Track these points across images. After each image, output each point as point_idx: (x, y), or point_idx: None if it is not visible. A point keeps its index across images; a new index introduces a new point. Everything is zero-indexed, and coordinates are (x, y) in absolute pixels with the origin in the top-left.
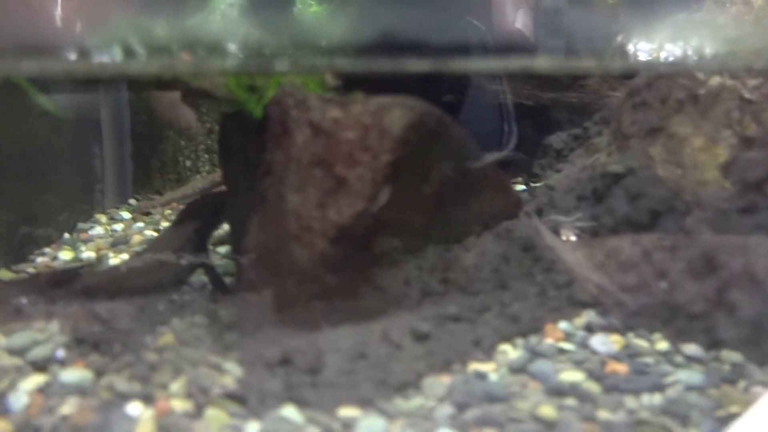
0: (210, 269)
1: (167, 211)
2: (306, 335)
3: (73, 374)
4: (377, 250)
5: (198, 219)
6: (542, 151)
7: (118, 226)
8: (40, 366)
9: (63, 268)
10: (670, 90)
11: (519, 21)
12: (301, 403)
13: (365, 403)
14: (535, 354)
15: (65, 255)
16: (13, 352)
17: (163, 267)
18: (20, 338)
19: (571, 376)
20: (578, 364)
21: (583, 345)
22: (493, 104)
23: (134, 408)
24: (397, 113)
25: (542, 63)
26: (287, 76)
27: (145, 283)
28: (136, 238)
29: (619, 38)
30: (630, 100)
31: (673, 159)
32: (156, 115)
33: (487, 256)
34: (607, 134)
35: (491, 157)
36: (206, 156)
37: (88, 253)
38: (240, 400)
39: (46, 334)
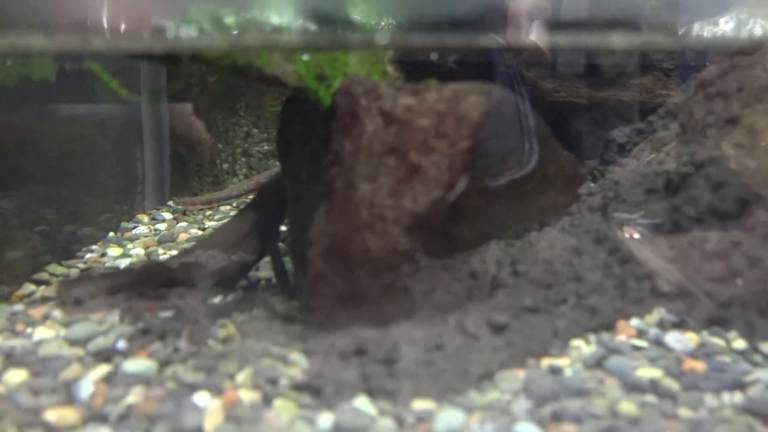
0: (277, 259)
1: (208, 212)
2: (379, 326)
3: (137, 364)
4: (451, 240)
5: (266, 208)
6: (604, 146)
7: (161, 226)
8: (102, 356)
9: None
10: (747, 80)
11: (533, 33)
12: (375, 395)
13: (440, 396)
14: (609, 350)
15: (113, 251)
16: (73, 342)
17: (231, 256)
18: (80, 329)
19: (648, 372)
20: (654, 361)
21: (657, 342)
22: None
23: (201, 398)
24: (475, 99)
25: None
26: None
27: (214, 273)
28: (183, 236)
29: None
30: (702, 91)
31: (748, 151)
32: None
33: (556, 248)
34: (673, 128)
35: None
36: (243, 159)
37: (136, 250)
38: (310, 391)
39: (106, 325)
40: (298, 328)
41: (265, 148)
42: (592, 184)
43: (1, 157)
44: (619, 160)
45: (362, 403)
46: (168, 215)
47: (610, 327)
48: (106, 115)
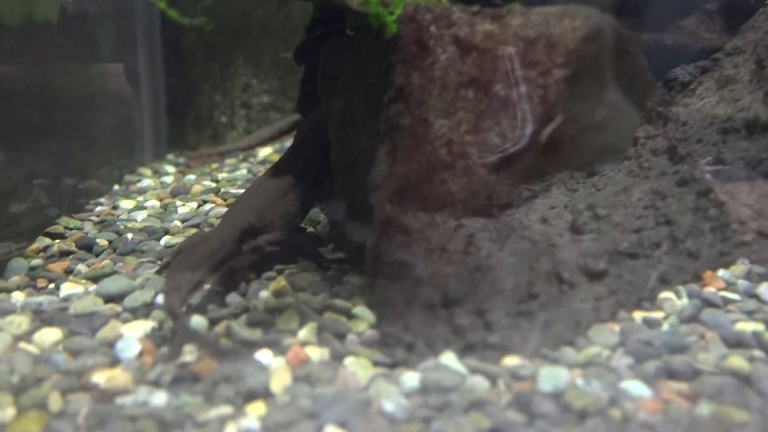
0: (332, 197)
1: (214, 165)
2: (460, 275)
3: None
4: (539, 179)
5: (306, 156)
6: (664, 86)
7: (167, 179)
8: (141, 313)
9: None
10: None
11: None
12: (463, 350)
13: (535, 352)
14: (703, 302)
15: (126, 204)
16: (107, 298)
17: (291, 194)
18: (113, 284)
19: (749, 326)
20: (750, 314)
21: (749, 294)
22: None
23: (264, 356)
24: (571, 23)
25: None
26: None
27: (278, 212)
28: (196, 188)
29: None
30: None
31: None
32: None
33: (632, 191)
34: (744, 65)
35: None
36: (242, 112)
37: (151, 202)
38: (401, 345)
39: (140, 279)
40: (355, 280)
41: (265, 99)
42: (650, 126)
43: None
44: (683, 100)
45: (449, 359)
46: (171, 168)
47: (699, 275)
48: (105, 65)
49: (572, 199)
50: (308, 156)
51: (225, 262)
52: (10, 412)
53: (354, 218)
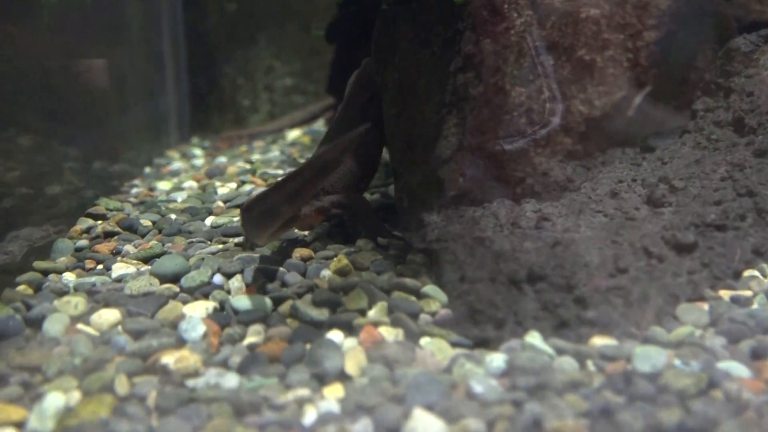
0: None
1: (242, 148)
2: (542, 249)
3: (247, 301)
4: (588, 156)
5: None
6: (724, 57)
7: (198, 161)
8: (200, 293)
9: None
10: None
11: None
12: (556, 327)
13: (625, 330)
14: None
15: (163, 185)
16: (163, 278)
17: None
18: (168, 263)
19: None
20: None
21: None
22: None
23: (335, 336)
24: None
25: None
26: None
27: (337, 175)
28: (231, 170)
29: None
30: None
31: None
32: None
33: (705, 163)
34: None
35: None
36: (266, 95)
37: (188, 183)
38: (492, 322)
39: (194, 258)
40: (418, 258)
41: (288, 82)
42: (709, 99)
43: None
44: (746, 71)
45: (535, 339)
46: (198, 151)
47: None
48: (135, 47)
49: (638, 172)
50: (360, 118)
51: (286, 222)
52: (75, 395)
53: (414, 193)
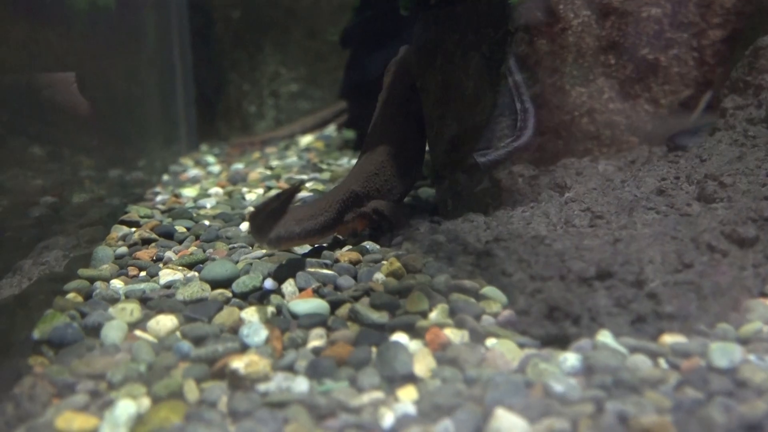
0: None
1: (256, 154)
2: (604, 247)
3: (305, 305)
4: (646, 146)
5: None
6: (752, 54)
7: (214, 168)
8: (253, 297)
9: None
10: None
11: None
12: (633, 323)
13: (691, 327)
14: None
15: (189, 192)
16: (214, 284)
17: (388, 164)
18: (218, 269)
19: None
20: None
21: None
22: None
23: (400, 339)
24: None
25: None
26: None
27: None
28: (253, 176)
29: None
30: None
31: None
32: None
33: (747, 159)
34: None
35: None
36: (271, 101)
37: (214, 189)
38: (568, 319)
39: (243, 263)
40: (470, 260)
41: (294, 88)
42: (738, 97)
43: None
44: None
45: (605, 337)
46: (211, 158)
47: None
48: (152, 53)
49: (678, 170)
50: (400, 123)
51: (327, 227)
52: (145, 402)
53: (461, 195)
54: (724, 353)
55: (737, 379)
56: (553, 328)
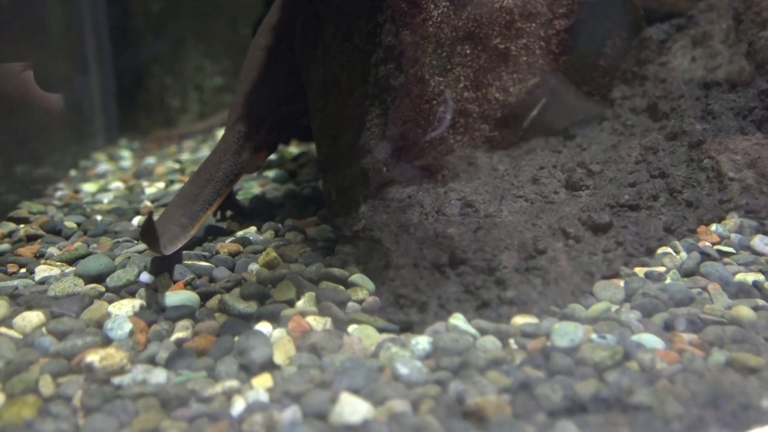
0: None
1: (172, 148)
2: (465, 235)
3: (174, 297)
4: (534, 132)
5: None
6: (639, 45)
7: (126, 163)
8: (126, 291)
9: None
10: None
11: None
12: (478, 308)
13: (543, 309)
14: (702, 255)
15: (89, 187)
16: (87, 278)
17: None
18: (93, 264)
19: (749, 276)
20: (747, 265)
21: (744, 247)
22: None
23: (263, 328)
24: None
25: None
26: None
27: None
28: (159, 170)
29: None
30: None
31: None
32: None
33: (621, 147)
34: (720, 21)
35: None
36: (195, 95)
37: (115, 184)
38: (397, 308)
39: (121, 257)
40: (347, 248)
41: (218, 81)
42: (625, 87)
43: None
44: (659, 58)
45: (458, 320)
46: (126, 153)
47: (693, 230)
48: (57, 47)
49: (558, 159)
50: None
51: (232, 174)
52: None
53: (341, 185)
54: (564, 333)
55: (577, 358)
56: (400, 315)
